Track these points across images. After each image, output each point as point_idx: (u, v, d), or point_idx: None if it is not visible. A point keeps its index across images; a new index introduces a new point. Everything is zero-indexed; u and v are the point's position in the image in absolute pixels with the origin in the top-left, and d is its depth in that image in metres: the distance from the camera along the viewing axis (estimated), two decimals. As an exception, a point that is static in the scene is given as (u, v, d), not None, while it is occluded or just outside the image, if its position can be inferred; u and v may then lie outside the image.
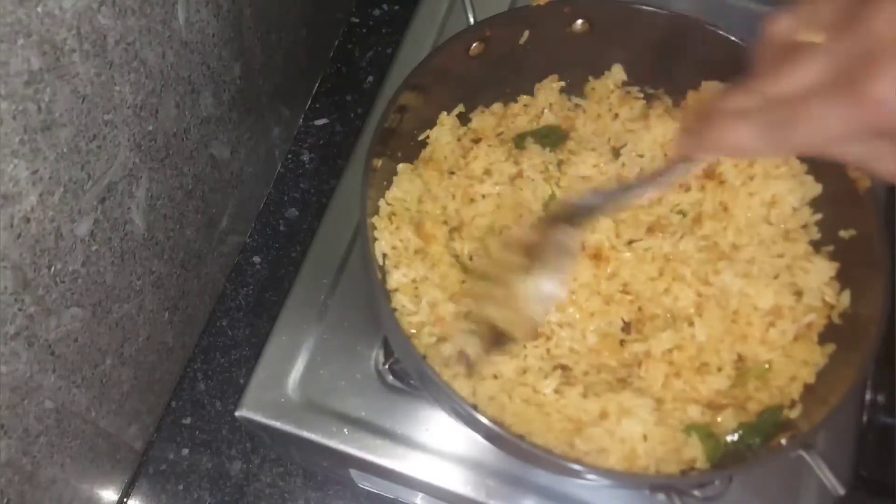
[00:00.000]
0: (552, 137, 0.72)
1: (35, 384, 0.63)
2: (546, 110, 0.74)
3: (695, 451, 0.59)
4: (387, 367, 0.70)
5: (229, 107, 0.82)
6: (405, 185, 0.68)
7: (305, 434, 0.68)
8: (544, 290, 0.57)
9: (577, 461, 0.57)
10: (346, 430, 0.68)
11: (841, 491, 0.55)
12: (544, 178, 0.70)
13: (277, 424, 0.68)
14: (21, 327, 0.58)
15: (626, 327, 0.65)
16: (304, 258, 0.75)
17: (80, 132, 0.58)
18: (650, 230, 0.68)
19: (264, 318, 0.95)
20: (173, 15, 0.66)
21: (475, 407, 0.56)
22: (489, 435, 0.58)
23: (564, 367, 0.63)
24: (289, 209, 1.01)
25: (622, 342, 0.64)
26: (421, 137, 0.71)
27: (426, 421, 0.68)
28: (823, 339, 0.63)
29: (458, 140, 0.72)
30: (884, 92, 0.37)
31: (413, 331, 0.63)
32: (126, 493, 0.86)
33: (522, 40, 0.71)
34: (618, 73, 0.74)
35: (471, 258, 0.67)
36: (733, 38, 0.68)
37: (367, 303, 0.73)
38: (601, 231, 0.67)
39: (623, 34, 0.71)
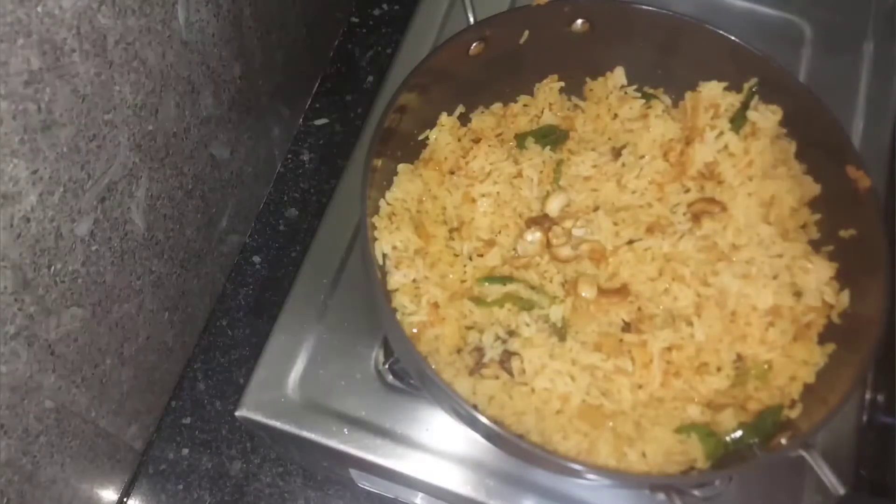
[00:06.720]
0: (552, 137, 0.72)
1: (35, 384, 0.63)
2: (546, 110, 0.74)
3: (695, 451, 0.59)
4: (387, 367, 0.70)
5: (229, 107, 0.82)
6: (405, 185, 0.68)
7: (305, 434, 0.68)
8: None
9: (577, 461, 0.57)
10: (346, 429, 0.68)
11: (841, 491, 0.55)
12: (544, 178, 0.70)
13: (277, 424, 0.68)
14: (21, 327, 0.58)
15: (627, 327, 0.65)
16: (304, 258, 0.75)
17: (80, 132, 0.58)
18: (650, 230, 0.68)
19: (264, 318, 0.95)
20: (173, 15, 0.66)
21: (475, 407, 0.56)
22: (489, 435, 0.58)
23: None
24: (289, 209, 1.01)
25: (621, 341, 0.64)
26: (421, 137, 0.71)
27: (426, 421, 0.68)
28: (823, 339, 0.63)
29: (458, 140, 0.72)
30: None
31: (413, 331, 0.63)
32: (126, 493, 0.86)
33: (522, 40, 0.71)
34: (619, 75, 0.74)
35: (471, 258, 0.67)
36: (733, 38, 0.68)
37: (367, 303, 0.73)
38: (601, 231, 0.67)
39: (623, 34, 0.71)
